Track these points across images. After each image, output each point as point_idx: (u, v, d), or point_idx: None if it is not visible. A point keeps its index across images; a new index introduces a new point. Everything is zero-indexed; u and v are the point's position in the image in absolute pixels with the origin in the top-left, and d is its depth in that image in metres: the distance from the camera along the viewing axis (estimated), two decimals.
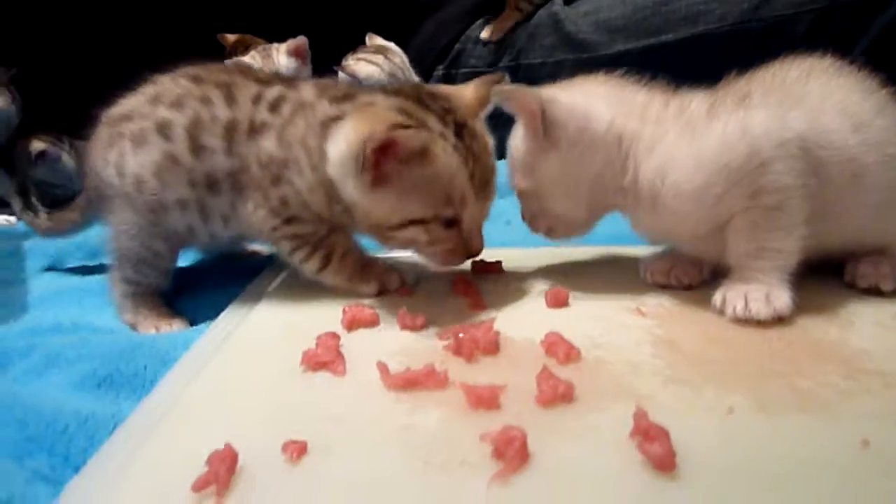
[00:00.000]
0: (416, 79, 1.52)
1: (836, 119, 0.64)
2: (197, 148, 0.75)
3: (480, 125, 0.73)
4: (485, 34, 1.63)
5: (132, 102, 0.80)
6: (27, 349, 0.72)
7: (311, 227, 0.75)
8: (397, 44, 1.66)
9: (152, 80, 0.82)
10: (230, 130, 0.74)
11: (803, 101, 0.65)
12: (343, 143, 0.65)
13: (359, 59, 1.43)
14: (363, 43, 1.54)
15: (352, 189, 0.67)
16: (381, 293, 0.75)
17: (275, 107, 0.74)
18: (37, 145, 1.54)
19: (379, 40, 1.52)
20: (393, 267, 0.78)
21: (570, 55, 1.50)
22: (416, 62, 1.64)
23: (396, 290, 0.76)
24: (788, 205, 0.63)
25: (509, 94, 0.70)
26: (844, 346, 0.58)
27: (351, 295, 0.75)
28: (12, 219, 1.36)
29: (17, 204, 1.04)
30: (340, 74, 1.41)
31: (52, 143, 1.56)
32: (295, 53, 1.45)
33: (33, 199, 1.03)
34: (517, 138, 0.74)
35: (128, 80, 0.83)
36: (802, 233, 0.64)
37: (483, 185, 0.70)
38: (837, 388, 0.51)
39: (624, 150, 0.69)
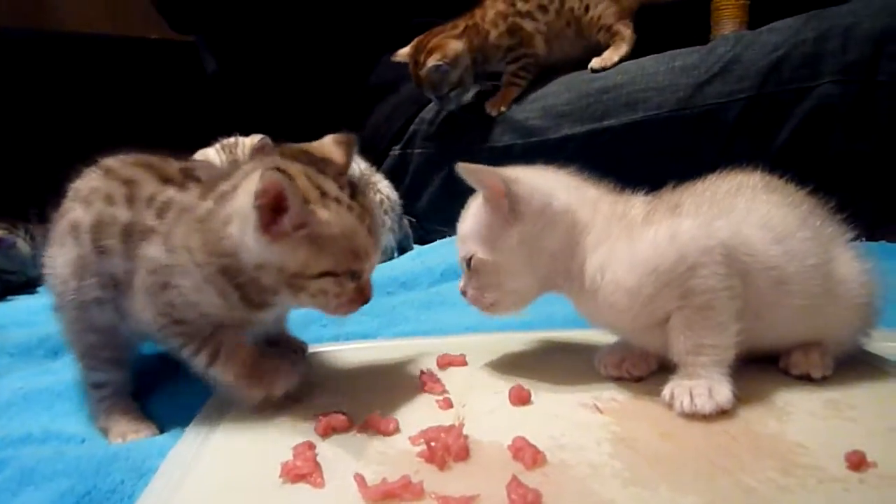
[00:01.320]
0: (363, 162, 1.57)
1: (759, 231, 0.71)
2: (99, 249, 0.76)
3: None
4: (490, 109, 1.67)
5: (65, 199, 0.82)
6: None
7: (196, 327, 0.75)
8: (353, 124, 1.71)
9: (80, 172, 0.83)
10: (126, 234, 0.75)
11: (730, 213, 0.72)
12: (245, 192, 0.69)
13: None
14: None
15: (252, 241, 0.68)
16: (269, 398, 0.74)
17: (161, 212, 0.76)
18: None
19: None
20: (284, 365, 0.76)
21: (519, 139, 1.58)
22: (371, 143, 1.70)
23: (282, 395, 0.74)
24: (717, 305, 0.69)
25: (473, 172, 0.74)
26: (782, 440, 0.63)
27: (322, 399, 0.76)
28: None
29: None
30: None
31: (7, 230, 1.56)
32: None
33: None
34: (478, 210, 0.78)
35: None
36: (736, 330, 0.69)
37: (377, 238, 0.74)
38: (777, 484, 0.56)
39: (575, 236, 0.75)
